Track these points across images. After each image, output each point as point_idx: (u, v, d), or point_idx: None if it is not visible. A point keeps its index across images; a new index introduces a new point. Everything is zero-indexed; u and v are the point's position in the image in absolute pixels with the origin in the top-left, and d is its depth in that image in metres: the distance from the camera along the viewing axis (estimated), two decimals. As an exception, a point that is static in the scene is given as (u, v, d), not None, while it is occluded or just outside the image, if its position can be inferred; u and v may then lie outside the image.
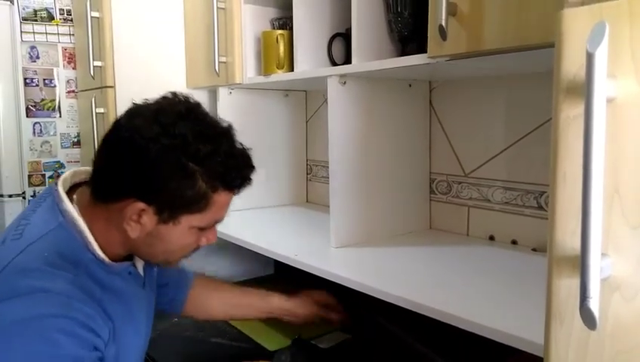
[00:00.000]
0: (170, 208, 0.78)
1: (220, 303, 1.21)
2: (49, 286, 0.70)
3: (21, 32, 1.84)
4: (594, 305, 0.42)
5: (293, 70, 1.28)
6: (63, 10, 1.90)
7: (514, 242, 1.16)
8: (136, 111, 0.78)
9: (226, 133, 0.82)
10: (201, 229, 0.83)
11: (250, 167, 0.85)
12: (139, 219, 0.77)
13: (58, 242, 0.76)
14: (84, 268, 0.77)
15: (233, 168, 0.80)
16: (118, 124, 0.79)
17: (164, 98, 0.80)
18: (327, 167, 1.17)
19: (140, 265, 0.91)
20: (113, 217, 0.78)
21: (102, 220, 0.80)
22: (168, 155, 0.74)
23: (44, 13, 1.87)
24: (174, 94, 0.81)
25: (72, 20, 1.91)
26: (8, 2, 1.81)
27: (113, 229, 0.80)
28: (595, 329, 0.43)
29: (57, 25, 1.89)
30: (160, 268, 1.01)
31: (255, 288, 1.27)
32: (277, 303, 1.21)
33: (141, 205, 0.76)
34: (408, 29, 1.05)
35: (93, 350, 0.73)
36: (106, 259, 0.80)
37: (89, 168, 0.83)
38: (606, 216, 0.43)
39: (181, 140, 0.74)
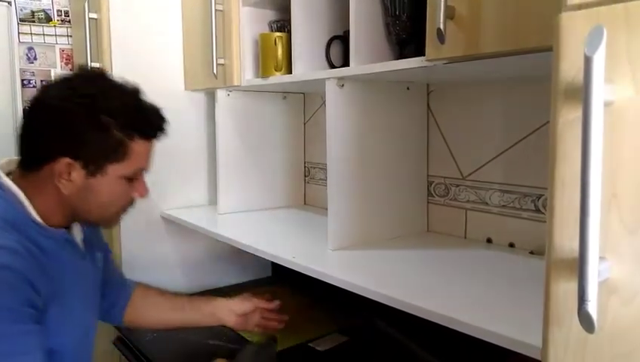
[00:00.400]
0: (93, 160, 0.86)
1: (165, 308, 1.21)
2: None
3: (19, 33, 1.83)
4: (592, 308, 0.42)
5: (291, 72, 1.28)
6: (61, 11, 1.90)
7: (511, 245, 1.16)
8: (49, 84, 0.90)
9: (133, 91, 0.91)
10: (129, 180, 0.91)
11: (162, 118, 0.93)
12: (69, 176, 0.85)
13: (0, 210, 0.83)
14: (25, 232, 0.83)
15: (144, 118, 0.90)
16: (34, 96, 0.88)
17: (73, 72, 0.90)
18: (325, 169, 1.17)
19: (77, 234, 0.96)
20: (46, 181, 0.86)
21: (37, 187, 0.87)
22: (81, 111, 0.83)
23: (41, 15, 1.87)
24: (82, 67, 0.92)
25: (69, 22, 1.91)
26: (6, 3, 1.81)
27: (48, 193, 0.87)
28: (593, 332, 0.43)
29: (55, 26, 1.89)
30: (99, 233, 1.06)
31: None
32: (220, 302, 1.22)
33: (67, 160, 0.84)
34: (406, 32, 1.05)
35: (29, 306, 0.77)
36: (42, 223, 0.87)
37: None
38: (604, 220, 0.44)
39: (91, 98, 0.84)
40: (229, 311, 1.21)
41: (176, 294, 1.28)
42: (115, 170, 0.88)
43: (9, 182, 0.87)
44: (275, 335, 1.25)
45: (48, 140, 0.85)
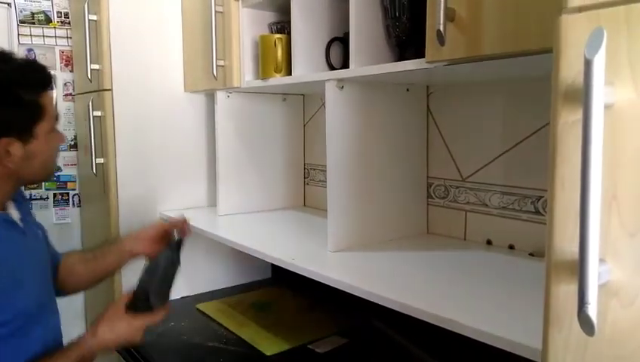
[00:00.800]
0: (23, 129, 0.93)
1: (79, 263, 1.20)
2: None
3: (18, 34, 1.83)
4: (592, 310, 0.42)
5: (291, 74, 1.28)
6: (61, 12, 1.90)
7: (511, 247, 1.16)
8: None
9: (10, 56, 0.95)
10: (50, 133, 0.98)
11: (44, 66, 0.99)
12: (9, 152, 0.91)
13: None
14: None
15: (37, 72, 0.96)
16: None
17: None
18: (325, 170, 1.17)
19: (14, 213, 1.00)
20: None
21: None
22: None
23: (41, 16, 1.87)
24: None
25: (69, 23, 1.91)
26: (6, 5, 1.81)
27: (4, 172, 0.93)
28: (593, 335, 0.43)
29: (55, 28, 1.89)
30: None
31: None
32: (127, 236, 1.23)
33: (3, 141, 0.90)
34: (406, 33, 1.05)
35: None
36: None
37: None
38: (604, 222, 0.43)
39: None
40: (136, 240, 1.18)
41: (93, 249, 1.28)
42: (42, 129, 0.96)
43: None
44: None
45: None
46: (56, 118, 1.02)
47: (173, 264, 1.09)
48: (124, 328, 0.99)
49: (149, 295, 1.02)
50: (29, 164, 0.95)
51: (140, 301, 1.02)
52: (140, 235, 1.20)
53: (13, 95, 0.90)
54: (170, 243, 1.15)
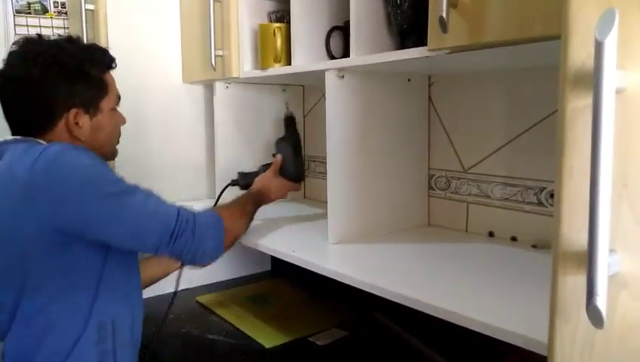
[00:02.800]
0: (90, 103, 1.01)
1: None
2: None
3: (15, 24, 1.81)
4: (601, 302, 0.41)
5: (290, 64, 1.26)
6: (57, 2, 1.88)
7: (514, 238, 1.15)
8: (5, 70, 0.98)
9: (75, 38, 1.05)
10: (113, 110, 1.07)
11: (106, 49, 1.07)
12: (78, 123, 0.99)
13: None
14: None
15: (102, 53, 1.05)
16: (5, 81, 0.97)
17: (17, 47, 0.99)
18: (325, 162, 1.15)
19: None
20: (62, 136, 0.99)
21: (69, 141, 0.99)
22: (63, 69, 0.97)
23: (37, 6, 1.84)
24: (18, 41, 1.01)
25: (66, 13, 1.88)
26: (1, -5, 1.79)
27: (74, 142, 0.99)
28: (602, 327, 0.42)
29: (51, 18, 1.87)
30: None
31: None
32: None
33: (74, 110, 0.98)
34: (408, 21, 1.03)
35: None
36: None
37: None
38: (614, 212, 0.42)
39: (52, 58, 0.96)
40: None
41: None
42: (106, 104, 1.04)
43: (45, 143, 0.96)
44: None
45: (52, 102, 0.97)
46: (118, 98, 1.09)
47: (299, 139, 1.36)
48: (279, 185, 1.25)
49: (291, 166, 1.30)
50: (95, 137, 1.02)
51: (287, 169, 1.29)
52: None
53: (83, 71, 0.99)
54: (285, 123, 1.39)
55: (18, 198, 0.87)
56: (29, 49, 0.98)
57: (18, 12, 1.81)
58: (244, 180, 1.32)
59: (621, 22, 0.40)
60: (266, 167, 1.33)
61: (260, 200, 1.21)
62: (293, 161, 1.31)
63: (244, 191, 1.26)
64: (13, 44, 1.01)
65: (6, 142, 0.98)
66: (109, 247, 0.95)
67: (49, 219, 0.87)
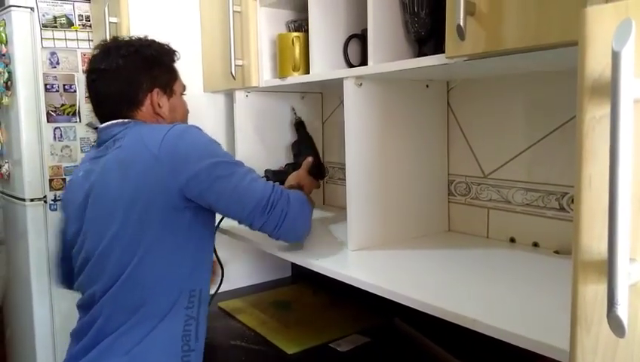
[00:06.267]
0: (167, 84, 1.17)
1: None
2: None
3: (41, 38, 1.86)
4: (622, 311, 0.41)
5: (309, 72, 1.27)
6: (82, 16, 1.93)
7: (535, 244, 1.14)
8: (94, 67, 1.13)
9: (145, 37, 1.20)
10: (182, 94, 1.24)
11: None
12: (160, 102, 1.15)
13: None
14: None
15: (168, 45, 1.21)
16: (98, 75, 1.13)
17: (107, 44, 1.17)
18: (344, 168, 1.16)
19: None
20: (149, 114, 1.14)
21: (154, 119, 1.16)
22: (145, 57, 1.13)
23: (63, 20, 1.90)
24: (110, 39, 1.25)
25: (90, 26, 1.94)
26: (29, 9, 1.85)
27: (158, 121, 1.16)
28: (623, 336, 0.42)
29: (77, 31, 1.92)
30: None
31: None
32: None
33: (155, 90, 1.14)
34: (425, 29, 1.03)
35: None
36: None
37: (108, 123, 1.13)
38: (634, 220, 0.42)
39: (132, 48, 1.13)
40: None
41: None
42: (177, 88, 1.20)
43: (136, 121, 1.12)
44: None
45: (138, 84, 1.12)
46: (184, 86, 1.24)
47: (313, 140, 1.53)
48: (310, 183, 1.31)
49: (315, 166, 1.37)
50: (173, 117, 1.18)
51: (313, 168, 1.35)
52: None
53: (156, 58, 1.15)
54: (297, 126, 1.56)
55: (149, 165, 1.00)
56: (111, 45, 1.15)
57: (45, 26, 1.87)
58: (275, 178, 1.36)
59: (638, 32, 0.40)
60: (292, 165, 1.44)
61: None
62: (317, 161, 1.42)
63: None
64: (94, 48, 1.19)
65: (122, 124, 1.10)
66: (211, 220, 1.10)
67: (171, 182, 0.99)
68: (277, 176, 1.39)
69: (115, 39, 1.21)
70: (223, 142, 1.73)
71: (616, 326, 0.41)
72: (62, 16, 1.90)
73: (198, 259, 1.08)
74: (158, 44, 1.19)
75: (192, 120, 1.68)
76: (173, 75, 1.20)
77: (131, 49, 1.13)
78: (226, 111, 1.74)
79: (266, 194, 1.03)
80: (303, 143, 1.49)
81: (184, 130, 1.05)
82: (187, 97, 1.70)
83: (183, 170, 1.00)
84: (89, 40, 1.94)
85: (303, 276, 1.79)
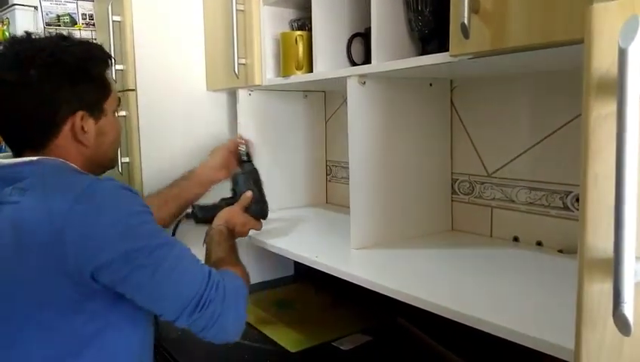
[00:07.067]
0: (94, 104, 0.93)
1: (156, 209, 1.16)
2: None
3: (45, 37, 1.87)
4: (628, 310, 0.41)
5: (312, 71, 1.27)
6: (86, 14, 1.93)
7: (539, 243, 1.13)
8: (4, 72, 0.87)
9: (68, 36, 0.95)
10: (115, 111, 1.00)
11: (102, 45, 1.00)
12: (83, 128, 0.91)
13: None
14: None
15: (99, 48, 0.97)
16: (2, 89, 0.87)
17: (5, 49, 0.90)
18: (347, 167, 1.16)
19: None
20: (67, 145, 0.91)
21: (64, 155, 0.91)
22: (63, 71, 0.88)
23: (67, 19, 1.90)
24: (8, 41, 0.93)
25: (94, 25, 1.94)
26: (33, 8, 1.85)
27: (74, 155, 0.92)
28: (629, 335, 0.42)
29: (80, 29, 1.93)
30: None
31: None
32: (199, 169, 1.32)
33: (79, 113, 0.90)
34: (429, 27, 1.03)
35: None
36: None
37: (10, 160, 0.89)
38: (640, 219, 0.42)
39: (51, 57, 0.87)
40: (212, 169, 1.31)
41: (166, 188, 1.32)
42: (109, 105, 0.97)
43: (49, 159, 0.89)
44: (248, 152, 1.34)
45: (55, 105, 0.88)
46: (119, 100, 1.03)
47: (258, 174, 1.30)
48: (244, 222, 1.17)
49: (256, 203, 1.23)
50: (101, 141, 0.95)
51: (252, 206, 1.22)
52: (214, 163, 1.30)
53: (83, 70, 0.91)
54: (241, 158, 1.31)
55: (50, 241, 0.78)
56: (23, 48, 0.87)
57: (48, 24, 1.88)
58: (202, 213, 1.24)
59: (645, 28, 0.40)
60: (226, 201, 1.25)
61: (232, 237, 1.13)
62: (259, 198, 1.25)
63: (201, 225, 1.21)
64: (7, 45, 0.90)
65: (29, 163, 0.87)
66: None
67: (80, 264, 0.79)
68: (205, 211, 1.23)
69: (28, 39, 0.90)
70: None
71: (622, 324, 0.41)
72: (65, 15, 1.90)
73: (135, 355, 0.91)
74: (86, 47, 0.94)
75: (195, 119, 1.69)
76: (104, 91, 0.95)
77: (49, 59, 0.86)
78: (229, 109, 1.74)
79: (198, 291, 0.85)
80: (246, 176, 1.27)
81: (102, 198, 0.82)
82: (190, 95, 1.71)
83: (92, 256, 0.79)
84: (92, 39, 1.94)
85: (305, 275, 1.79)
